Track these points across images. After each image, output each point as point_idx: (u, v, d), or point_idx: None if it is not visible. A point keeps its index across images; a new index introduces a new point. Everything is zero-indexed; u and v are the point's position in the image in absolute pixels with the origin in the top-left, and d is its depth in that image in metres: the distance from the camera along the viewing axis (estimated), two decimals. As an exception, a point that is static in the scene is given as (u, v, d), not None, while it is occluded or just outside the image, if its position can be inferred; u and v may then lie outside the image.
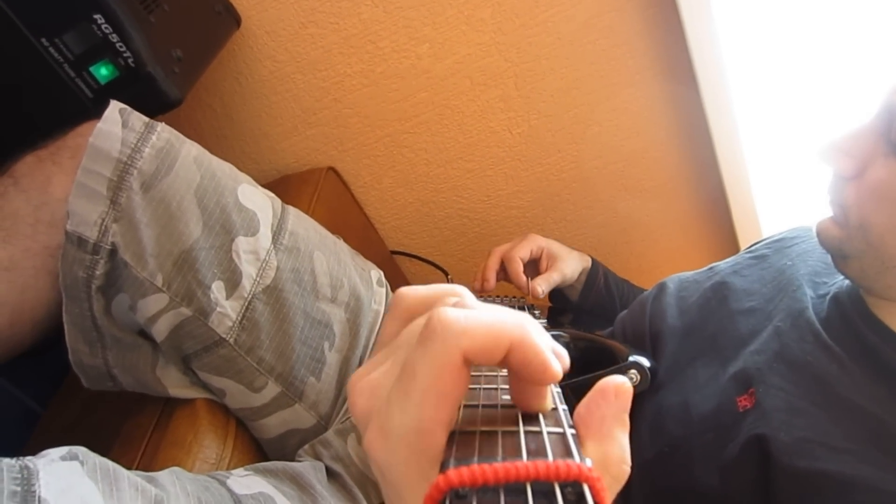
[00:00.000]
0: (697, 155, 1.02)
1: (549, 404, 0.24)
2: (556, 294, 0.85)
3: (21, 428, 0.75)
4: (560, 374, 0.22)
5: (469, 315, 0.21)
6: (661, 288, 0.69)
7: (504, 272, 0.80)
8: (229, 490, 0.48)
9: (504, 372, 0.28)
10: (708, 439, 0.51)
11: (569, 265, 0.80)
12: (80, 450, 0.41)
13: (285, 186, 0.98)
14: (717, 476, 0.48)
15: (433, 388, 0.20)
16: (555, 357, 0.22)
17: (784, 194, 1.05)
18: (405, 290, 0.26)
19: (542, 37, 0.91)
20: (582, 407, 0.24)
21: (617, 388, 0.23)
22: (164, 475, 0.45)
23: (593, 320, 0.83)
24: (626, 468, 0.23)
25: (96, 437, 0.63)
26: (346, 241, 0.77)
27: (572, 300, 0.85)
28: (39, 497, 0.35)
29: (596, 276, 0.83)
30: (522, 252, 0.79)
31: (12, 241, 0.54)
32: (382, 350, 0.25)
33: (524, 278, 0.77)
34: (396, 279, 1.17)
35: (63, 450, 0.40)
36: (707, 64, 0.86)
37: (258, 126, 0.99)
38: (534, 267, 0.82)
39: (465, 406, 0.25)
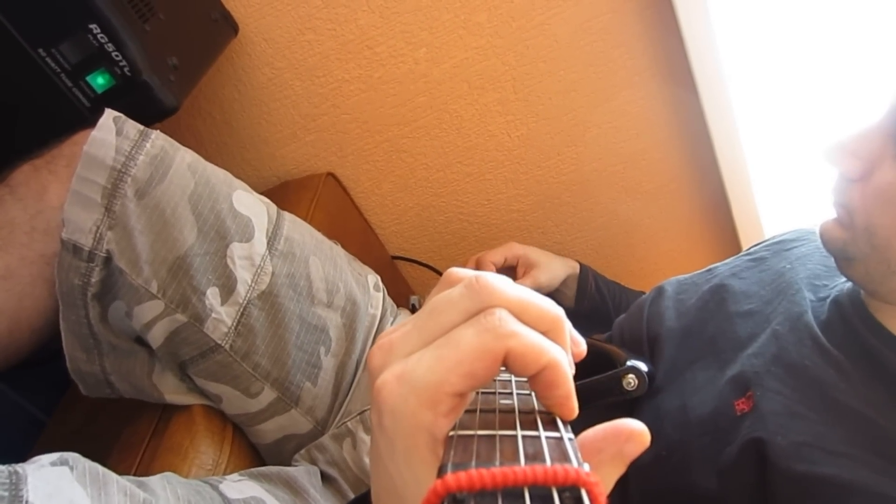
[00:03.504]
0: (697, 156, 1.01)
1: (573, 410, 0.25)
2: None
3: (27, 436, 0.76)
4: (575, 415, 0.24)
5: (525, 327, 0.23)
6: (659, 291, 0.68)
7: None
8: (221, 494, 0.48)
9: (501, 377, 0.28)
10: (705, 442, 0.50)
11: (546, 273, 0.81)
12: (72, 455, 0.41)
13: (285, 192, 0.98)
14: (714, 479, 0.48)
15: (467, 363, 0.22)
16: (574, 398, 0.24)
17: (785, 194, 1.04)
18: (454, 269, 0.27)
19: (539, 39, 0.91)
20: (591, 430, 0.24)
21: (632, 433, 0.24)
22: (155, 480, 0.45)
23: (590, 325, 0.82)
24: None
25: (98, 444, 0.63)
26: (346, 246, 0.77)
27: (567, 307, 0.84)
28: (27, 501, 0.35)
29: (586, 280, 0.83)
30: (495, 257, 0.81)
31: (9, 250, 0.54)
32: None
33: None
34: (397, 284, 1.17)
35: (54, 455, 0.41)
36: (705, 64, 0.85)
37: (257, 133, 0.99)
38: (510, 273, 0.83)
39: (464, 411, 0.25)
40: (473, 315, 0.23)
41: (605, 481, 0.23)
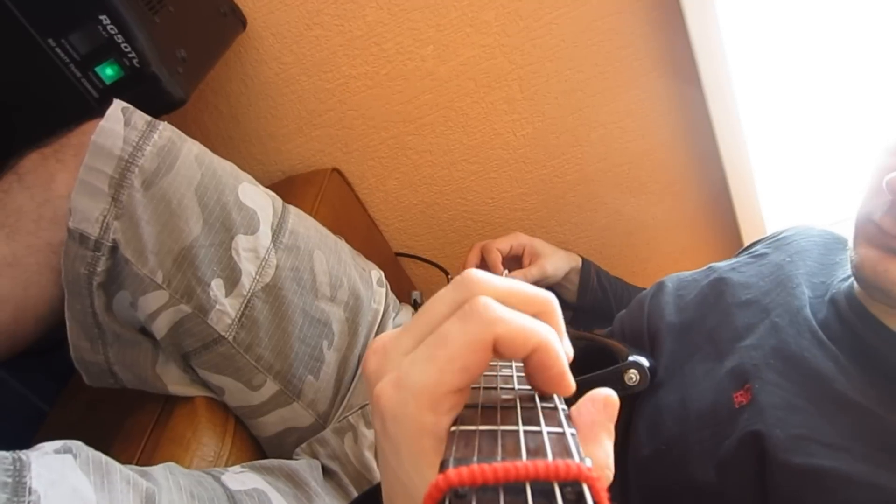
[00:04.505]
0: (702, 157, 1.01)
1: (570, 386, 0.25)
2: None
3: (28, 426, 0.76)
4: (573, 390, 0.24)
5: (508, 310, 0.23)
6: (660, 287, 0.69)
7: (484, 265, 0.82)
8: (223, 485, 0.49)
9: (503, 372, 0.28)
10: (705, 436, 0.50)
11: (551, 263, 0.81)
12: (75, 443, 0.41)
13: (290, 187, 0.98)
14: (713, 472, 0.48)
15: (459, 358, 0.22)
16: (569, 375, 0.24)
17: (790, 196, 1.04)
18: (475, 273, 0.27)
19: (546, 39, 0.91)
20: (573, 409, 0.24)
21: (606, 399, 0.25)
22: (157, 470, 0.46)
23: (592, 319, 0.83)
24: (610, 474, 0.23)
25: (100, 434, 0.63)
26: (350, 242, 0.77)
27: (570, 301, 0.85)
28: (30, 488, 0.36)
29: (588, 274, 0.84)
30: (501, 245, 0.81)
31: (16, 238, 0.54)
32: None
33: (500, 269, 0.79)
34: (401, 281, 1.17)
35: (58, 443, 0.41)
36: (711, 65, 0.85)
37: (264, 127, 1.00)
38: (516, 263, 0.83)
39: (465, 406, 0.24)
40: (459, 306, 0.23)
41: (608, 451, 0.23)
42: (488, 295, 0.23)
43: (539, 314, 0.24)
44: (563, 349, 0.24)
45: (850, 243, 0.49)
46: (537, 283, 0.82)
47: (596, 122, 0.99)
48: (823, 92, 0.94)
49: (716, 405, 0.51)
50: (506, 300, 0.23)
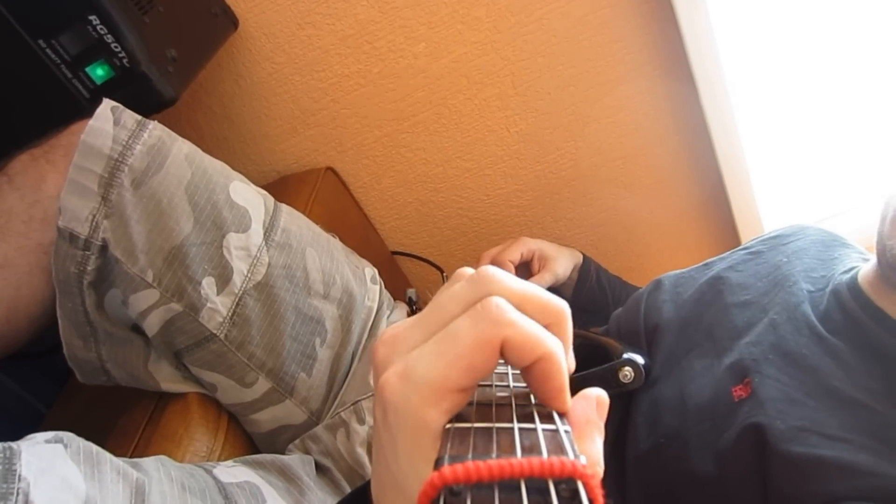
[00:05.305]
0: (696, 150, 1.01)
1: (565, 403, 0.24)
2: (550, 292, 0.85)
3: (27, 427, 0.76)
4: (567, 409, 0.24)
5: (520, 315, 0.23)
6: (657, 285, 0.69)
7: None
8: (214, 478, 0.49)
9: (498, 370, 0.28)
10: (704, 429, 0.51)
11: (560, 264, 0.80)
12: (66, 434, 0.42)
13: (284, 187, 0.98)
14: (713, 465, 0.48)
15: (467, 356, 0.22)
16: (568, 391, 0.24)
17: (785, 188, 1.04)
18: (463, 269, 0.27)
19: (537, 34, 0.91)
20: (575, 406, 0.24)
21: (598, 398, 0.25)
22: (148, 461, 0.46)
23: (588, 317, 0.82)
24: (600, 471, 0.23)
25: (96, 434, 0.63)
26: (345, 241, 0.77)
27: (566, 297, 0.84)
28: (20, 475, 0.36)
29: (588, 272, 0.83)
30: (513, 255, 0.79)
31: (6, 239, 0.55)
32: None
33: None
34: (397, 279, 1.17)
35: (49, 433, 0.41)
36: (703, 59, 0.85)
37: (257, 127, 1.00)
38: (526, 269, 0.82)
39: None
40: (473, 303, 0.23)
41: (599, 448, 0.24)
42: (503, 296, 0.23)
43: (551, 325, 0.24)
44: (566, 364, 0.23)
45: (885, 231, 0.49)
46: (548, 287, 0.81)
47: (589, 118, 0.99)
48: (817, 83, 0.94)
49: (715, 399, 0.51)
50: (521, 304, 0.23)
